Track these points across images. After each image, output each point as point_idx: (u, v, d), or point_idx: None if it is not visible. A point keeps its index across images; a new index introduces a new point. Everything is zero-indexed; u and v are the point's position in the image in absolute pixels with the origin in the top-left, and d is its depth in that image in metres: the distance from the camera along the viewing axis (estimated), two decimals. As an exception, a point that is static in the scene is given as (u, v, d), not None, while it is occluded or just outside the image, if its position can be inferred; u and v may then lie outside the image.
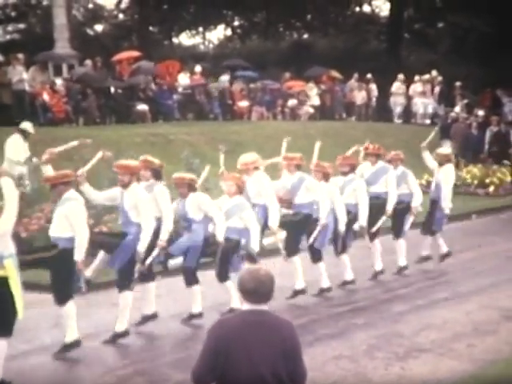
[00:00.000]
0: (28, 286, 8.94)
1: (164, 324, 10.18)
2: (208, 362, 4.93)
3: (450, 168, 13.37)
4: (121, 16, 43.31)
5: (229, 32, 45.03)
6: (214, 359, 4.89)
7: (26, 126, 15.79)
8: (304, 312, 10.81)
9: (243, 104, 25.48)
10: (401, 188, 12.70)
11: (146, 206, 9.55)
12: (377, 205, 12.35)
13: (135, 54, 25.84)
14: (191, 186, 10.28)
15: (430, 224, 13.30)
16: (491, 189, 21.32)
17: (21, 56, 21.16)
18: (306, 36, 43.03)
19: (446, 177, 13.20)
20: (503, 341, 9.59)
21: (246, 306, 5.02)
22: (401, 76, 28.59)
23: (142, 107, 22.86)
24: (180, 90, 24.92)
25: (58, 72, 23.59)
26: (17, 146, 15.42)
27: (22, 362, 8.74)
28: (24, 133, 15.67)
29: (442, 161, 13.35)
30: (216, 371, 4.91)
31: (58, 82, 21.84)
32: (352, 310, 11.02)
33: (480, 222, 17.96)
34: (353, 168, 12.23)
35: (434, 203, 13.28)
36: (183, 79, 25.27)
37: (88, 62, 23.63)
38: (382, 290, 12.16)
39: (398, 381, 8.29)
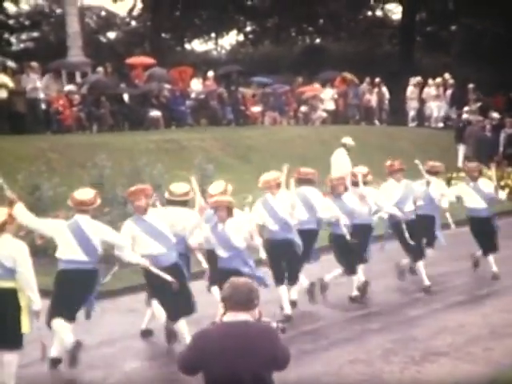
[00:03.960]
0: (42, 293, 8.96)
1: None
2: (189, 364, 5.09)
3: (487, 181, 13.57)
4: (133, 23, 43.45)
5: (241, 37, 45.08)
6: (194, 366, 5.07)
7: (347, 140, 18.01)
8: (320, 317, 10.77)
9: (256, 109, 25.48)
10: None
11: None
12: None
13: (148, 61, 25.90)
14: (230, 210, 9.34)
15: None
16: (506, 192, 21.15)
17: (35, 64, 21.25)
18: (318, 40, 42.99)
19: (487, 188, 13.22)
20: (520, 344, 9.52)
21: (227, 316, 5.06)
22: (413, 80, 28.51)
23: (155, 113, 22.90)
24: (193, 95, 24.96)
25: (71, 80, 23.68)
26: (344, 158, 17.48)
27: (36, 369, 8.73)
28: (345, 146, 17.82)
29: (474, 175, 13.28)
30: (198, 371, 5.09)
31: (71, 87, 21.90)
32: (367, 315, 10.98)
33: (495, 225, 17.83)
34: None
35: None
36: (196, 85, 25.31)
37: (100, 69, 23.70)
38: (398, 294, 12.11)
39: (414, 385, 8.25)
